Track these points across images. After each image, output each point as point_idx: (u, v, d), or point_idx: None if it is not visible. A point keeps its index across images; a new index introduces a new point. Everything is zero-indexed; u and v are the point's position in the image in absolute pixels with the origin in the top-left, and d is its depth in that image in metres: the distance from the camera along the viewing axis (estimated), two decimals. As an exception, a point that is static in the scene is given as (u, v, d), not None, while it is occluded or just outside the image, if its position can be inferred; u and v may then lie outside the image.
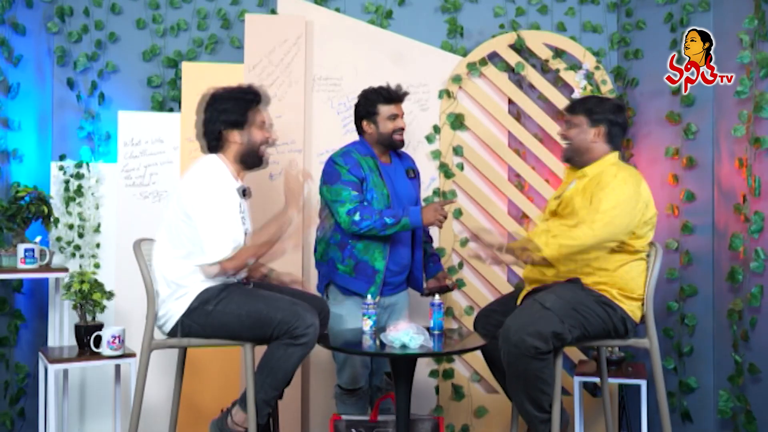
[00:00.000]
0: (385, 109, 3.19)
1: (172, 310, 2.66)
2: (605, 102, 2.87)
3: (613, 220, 2.62)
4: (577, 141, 2.85)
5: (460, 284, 3.81)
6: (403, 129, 3.23)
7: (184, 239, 2.64)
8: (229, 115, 2.72)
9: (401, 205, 3.15)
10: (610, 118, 2.82)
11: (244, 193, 2.78)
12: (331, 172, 3.14)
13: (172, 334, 2.69)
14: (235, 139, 2.74)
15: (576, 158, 2.87)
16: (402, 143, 3.25)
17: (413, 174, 3.32)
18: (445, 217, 3.05)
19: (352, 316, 3.13)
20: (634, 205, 2.66)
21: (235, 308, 2.61)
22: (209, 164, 2.72)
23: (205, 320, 2.63)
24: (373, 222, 3.01)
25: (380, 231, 3.03)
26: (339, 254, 3.15)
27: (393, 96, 3.20)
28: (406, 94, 3.27)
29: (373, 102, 3.20)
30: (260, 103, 2.81)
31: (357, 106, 3.26)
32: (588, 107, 2.85)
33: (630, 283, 2.70)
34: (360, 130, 3.27)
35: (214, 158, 2.74)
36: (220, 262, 2.60)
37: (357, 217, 3.02)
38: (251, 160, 2.79)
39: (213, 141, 2.75)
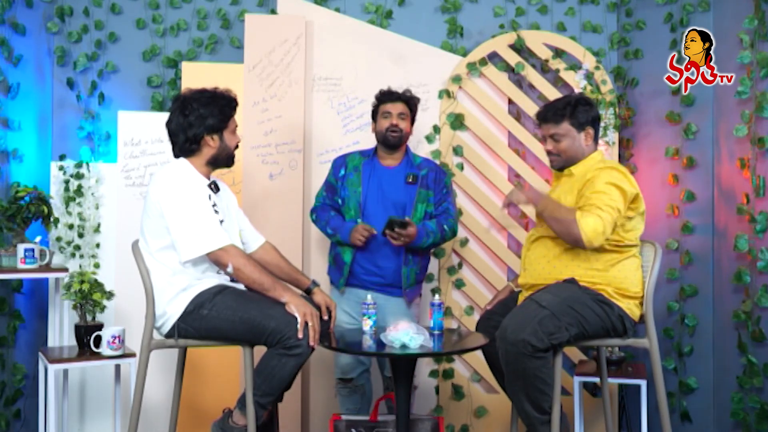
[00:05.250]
0: (381, 108, 3.34)
1: (169, 313, 2.65)
2: (581, 102, 2.84)
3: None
4: (573, 150, 2.83)
5: (459, 284, 3.81)
6: (395, 126, 3.27)
7: (164, 230, 2.64)
8: (212, 120, 2.71)
9: (383, 206, 3.26)
10: (593, 116, 2.83)
11: (216, 187, 2.79)
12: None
13: (169, 336, 2.69)
14: (213, 143, 2.74)
15: (570, 165, 2.87)
16: (394, 140, 3.29)
17: (412, 179, 3.30)
18: (365, 237, 3.18)
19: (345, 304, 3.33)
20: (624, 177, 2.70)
21: (229, 314, 2.60)
22: (179, 167, 2.71)
23: (199, 324, 2.63)
24: (321, 227, 3.37)
25: (329, 236, 3.35)
26: (329, 247, 3.46)
27: (385, 95, 3.35)
28: (403, 94, 3.33)
29: (375, 102, 3.38)
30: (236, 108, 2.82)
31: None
32: (570, 113, 2.81)
33: (624, 282, 2.70)
34: None
35: (183, 162, 2.74)
36: (224, 250, 2.59)
37: (314, 217, 3.42)
38: (223, 162, 2.80)
39: (192, 145, 2.73)
